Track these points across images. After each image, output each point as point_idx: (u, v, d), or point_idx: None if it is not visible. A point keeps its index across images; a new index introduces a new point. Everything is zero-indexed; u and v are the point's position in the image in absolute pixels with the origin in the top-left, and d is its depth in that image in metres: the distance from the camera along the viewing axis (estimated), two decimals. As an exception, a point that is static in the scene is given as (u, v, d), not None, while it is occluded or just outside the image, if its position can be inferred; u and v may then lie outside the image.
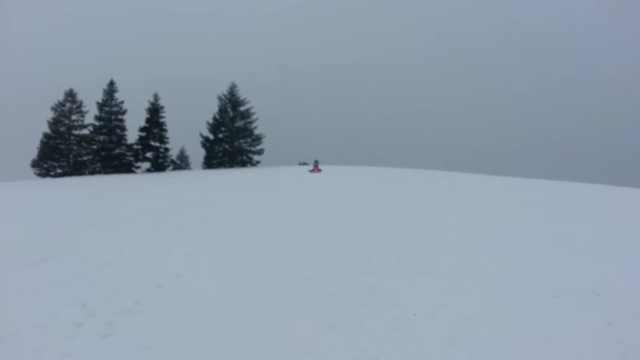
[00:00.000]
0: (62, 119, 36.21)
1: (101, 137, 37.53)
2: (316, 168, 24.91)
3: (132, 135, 39.00)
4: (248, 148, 41.54)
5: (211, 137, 41.12)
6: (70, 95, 36.54)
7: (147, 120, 39.19)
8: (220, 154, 41.11)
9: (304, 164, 37.58)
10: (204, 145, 41.05)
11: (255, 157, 41.86)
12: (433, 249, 7.39)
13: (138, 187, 20.52)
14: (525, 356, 3.51)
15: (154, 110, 39.27)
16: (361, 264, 6.36)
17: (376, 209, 11.63)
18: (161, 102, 39.75)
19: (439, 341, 3.76)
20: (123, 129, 38.38)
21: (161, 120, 39.48)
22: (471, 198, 15.04)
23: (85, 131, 37.25)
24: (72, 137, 36.66)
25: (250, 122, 41.47)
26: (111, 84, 38.01)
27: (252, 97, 42.01)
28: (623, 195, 17.32)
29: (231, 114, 41.30)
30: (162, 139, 39.57)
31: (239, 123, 41.25)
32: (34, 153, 35.69)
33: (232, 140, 40.98)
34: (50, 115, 36.06)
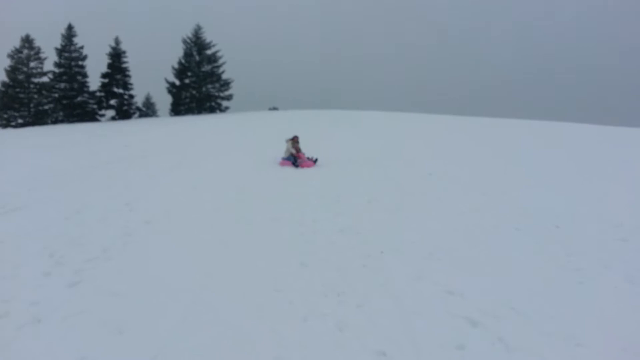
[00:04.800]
0: (20, 66, 33.94)
1: (62, 85, 35.61)
2: (302, 157, 10.37)
3: (94, 82, 37.24)
4: (216, 94, 40.42)
5: (177, 82, 39.68)
6: (27, 41, 34.07)
7: (109, 66, 37.27)
8: (187, 100, 39.91)
9: (274, 109, 37.01)
10: (170, 92, 39.66)
11: (224, 103, 40.92)
12: (402, 189, 7.50)
13: (103, 135, 19.86)
14: (487, 285, 3.66)
15: (116, 55, 37.30)
16: (331, 206, 6.42)
17: (346, 153, 11.65)
18: (123, 47, 37.86)
19: (405, 275, 3.87)
20: (84, 75, 36.46)
21: (124, 65, 37.59)
22: (439, 140, 15.19)
23: (45, 79, 35.16)
24: (31, 86, 34.61)
25: (218, 67, 40.09)
26: (69, 28, 35.60)
27: (219, 40, 40.53)
28: (586, 131, 17.78)
29: (197, 58, 39.72)
30: (126, 85, 37.91)
31: (206, 67, 39.81)
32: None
33: (199, 85, 39.69)
34: (7, 62, 33.83)
